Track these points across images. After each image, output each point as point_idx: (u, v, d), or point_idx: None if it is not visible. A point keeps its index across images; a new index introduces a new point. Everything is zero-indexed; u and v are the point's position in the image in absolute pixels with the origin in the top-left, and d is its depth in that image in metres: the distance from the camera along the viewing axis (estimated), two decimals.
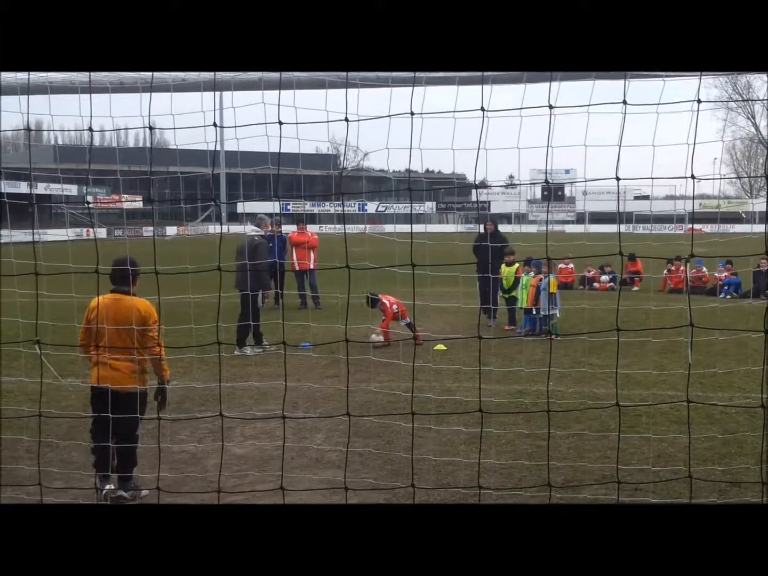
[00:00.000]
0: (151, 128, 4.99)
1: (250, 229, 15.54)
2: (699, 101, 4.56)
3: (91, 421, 7.14)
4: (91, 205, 59.31)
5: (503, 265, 16.62)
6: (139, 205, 75.42)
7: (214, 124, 5.15)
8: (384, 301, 14.86)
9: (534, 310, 15.72)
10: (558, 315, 15.60)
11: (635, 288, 24.30)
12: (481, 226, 19.23)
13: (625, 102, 4.45)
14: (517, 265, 16.61)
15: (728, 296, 22.27)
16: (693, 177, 4.72)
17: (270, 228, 19.91)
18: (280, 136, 4.67)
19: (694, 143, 4.56)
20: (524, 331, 15.86)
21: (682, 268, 23.00)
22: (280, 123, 4.61)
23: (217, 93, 7.55)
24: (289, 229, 24.05)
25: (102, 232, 62.09)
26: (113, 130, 6.26)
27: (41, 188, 64.42)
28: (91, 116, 5.16)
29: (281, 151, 4.72)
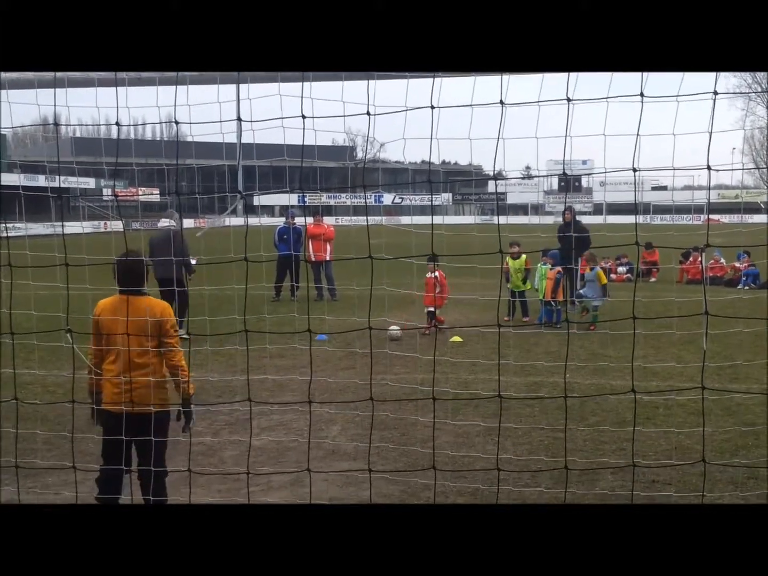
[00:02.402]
0: (176, 122, 4.97)
1: (163, 220, 14.79)
2: (716, 93, 4.51)
3: (103, 445, 6.04)
4: (113, 198, 59.34)
5: (508, 258, 16.25)
6: (156, 198, 75.58)
7: (238, 118, 5.14)
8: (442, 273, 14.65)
9: (553, 302, 15.61)
10: (600, 305, 15.54)
11: (653, 279, 24.19)
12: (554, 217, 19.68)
13: (642, 94, 4.41)
14: (524, 257, 16.37)
15: (746, 287, 22.12)
16: (709, 168, 4.67)
17: (294, 220, 19.90)
18: (303, 129, 4.65)
19: (711, 133, 4.51)
20: (541, 322, 15.75)
21: (699, 259, 22.86)
22: (303, 117, 4.59)
23: (235, 85, 7.55)
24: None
25: (119, 225, 62.28)
26: (136, 124, 6.26)
27: (59, 181, 64.60)
28: (117, 108, 5.15)
29: (298, 143, 4.70)
